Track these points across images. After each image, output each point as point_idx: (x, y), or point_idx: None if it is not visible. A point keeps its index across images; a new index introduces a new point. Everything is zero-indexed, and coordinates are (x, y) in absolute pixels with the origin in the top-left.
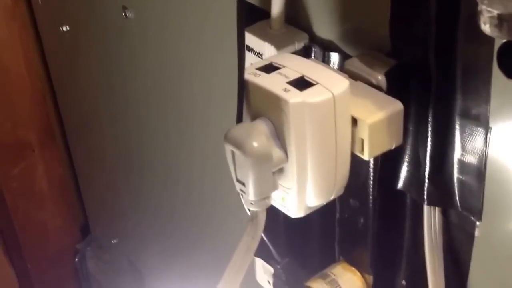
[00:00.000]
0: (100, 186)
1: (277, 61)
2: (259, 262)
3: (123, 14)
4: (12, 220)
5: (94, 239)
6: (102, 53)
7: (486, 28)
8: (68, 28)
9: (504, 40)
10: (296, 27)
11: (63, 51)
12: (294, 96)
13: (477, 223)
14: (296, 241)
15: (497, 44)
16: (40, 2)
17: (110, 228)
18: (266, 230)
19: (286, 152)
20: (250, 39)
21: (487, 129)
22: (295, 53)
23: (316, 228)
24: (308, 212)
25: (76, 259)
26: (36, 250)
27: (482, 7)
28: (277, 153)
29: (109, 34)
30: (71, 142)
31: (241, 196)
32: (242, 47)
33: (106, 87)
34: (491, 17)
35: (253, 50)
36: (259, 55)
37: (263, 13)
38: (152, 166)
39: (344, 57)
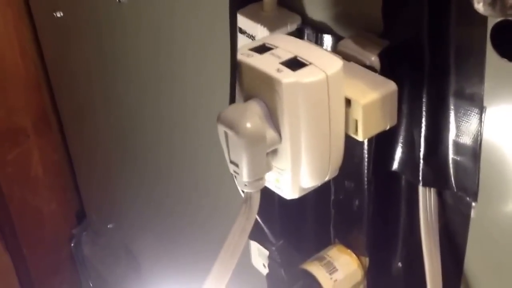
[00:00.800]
0: (95, 172)
1: (270, 41)
2: (254, 246)
3: None
4: (8, 206)
5: (90, 224)
6: (96, 39)
7: (479, 7)
8: (61, 14)
9: (498, 19)
10: (288, 9)
11: (57, 37)
12: (287, 76)
13: (473, 204)
14: (291, 223)
15: (491, 23)
16: None
17: (106, 213)
18: (261, 212)
19: (279, 133)
20: (243, 21)
21: (481, 109)
22: (288, 35)
23: (311, 210)
24: (303, 193)
25: (72, 244)
26: (32, 236)
27: None
28: (270, 134)
29: (102, 20)
30: (66, 128)
31: (234, 178)
32: (234, 29)
33: (100, 73)
34: None
35: (245, 32)
36: (252, 37)
37: None
38: (147, 151)
39: (337, 39)
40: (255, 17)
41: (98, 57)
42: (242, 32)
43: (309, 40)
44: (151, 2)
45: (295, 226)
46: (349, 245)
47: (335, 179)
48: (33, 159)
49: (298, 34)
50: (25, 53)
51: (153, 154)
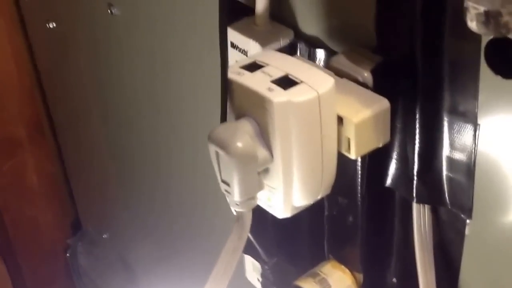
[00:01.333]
0: (90, 181)
1: (261, 59)
2: (249, 260)
3: (109, 11)
4: (3, 216)
5: (85, 234)
6: (89, 51)
7: (473, 25)
8: (54, 25)
9: (492, 36)
10: (281, 23)
11: (51, 48)
12: (278, 96)
13: (467, 221)
14: (285, 240)
15: (484, 40)
16: None
17: (101, 223)
18: (253, 230)
19: (271, 152)
20: (235, 36)
21: (475, 126)
22: (281, 50)
23: (305, 226)
24: (295, 212)
25: (68, 255)
26: (28, 246)
27: (469, 3)
28: (262, 153)
29: (96, 32)
30: (60, 138)
31: (226, 197)
32: (224, 45)
33: (94, 84)
34: (477, 14)
35: (237, 47)
36: (244, 52)
37: (247, 10)
38: (142, 161)
39: (330, 53)
40: (247, 32)
41: (92, 68)
42: (234, 46)
43: (302, 54)
44: (143, 14)
45: (289, 241)
46: (343, 260)
47: (328, 195)
48: (28, 169)
49: (291, 48)
50: (19, 62)
51: (149, 164)
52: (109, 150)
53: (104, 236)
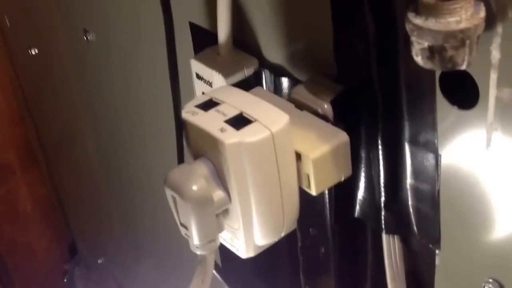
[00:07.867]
0: (84, 205)
1: (217, 96)
2: None
3: (85, 37)
4: None
5: (82, 259)
6: (72, 76)
7: (418, 59)
8: (36, 51)
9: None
10: (245, 51)
11: (36, 73)
12: (230, 137)
13: (437, 251)
14: (260, 271)
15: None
16: (8, 24)
17: (96, 247)
18: (224, 268)
19: (228, 193)
20: (199, 67)
21: (436, 156)
22: (245, 79)
23: (280, 258)
24: (259, 251)
25: (65, 280)
26: (25, 273)
27: (413, 38)
28: (218, 195)
29: (74, 57)
30: (51, 162)
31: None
32: (176, 81)
33: (82, 107)
34: (422, 49)
35: (203, 78)
36: (209, 83)
37: (212, 36)
38: (137, 185)
39: (294, 82)
40: (211, 63)
41: (77, 91)
42: (200, 78)
43: (267, 83)
44: (115, 41)
45: (265, 272)
46: None
47: (300, 226)
48: (20, 195)
49: (256, 77)
50: (5, 87)
51: (144, 186)
52: (102, 173)
53: (100, 261)
